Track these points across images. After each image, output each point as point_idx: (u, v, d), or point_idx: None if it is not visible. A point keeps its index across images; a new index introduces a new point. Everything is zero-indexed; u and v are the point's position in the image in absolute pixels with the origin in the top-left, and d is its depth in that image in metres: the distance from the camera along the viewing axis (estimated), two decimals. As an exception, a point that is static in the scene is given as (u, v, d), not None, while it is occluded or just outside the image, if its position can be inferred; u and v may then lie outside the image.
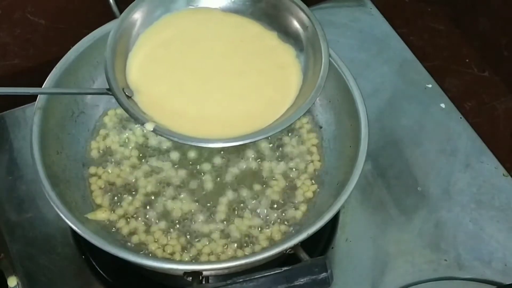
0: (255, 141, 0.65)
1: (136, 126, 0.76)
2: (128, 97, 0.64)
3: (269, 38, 0.69)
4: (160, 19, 0.69)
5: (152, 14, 0.68)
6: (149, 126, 0.62)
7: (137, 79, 0.66)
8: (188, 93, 0.66)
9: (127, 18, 0.67)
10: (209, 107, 0.66)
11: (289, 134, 0.76)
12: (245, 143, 0.65)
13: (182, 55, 0.68)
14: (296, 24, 0.68)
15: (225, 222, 0.70)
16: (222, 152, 0.74)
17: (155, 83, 0.66)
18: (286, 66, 0.68)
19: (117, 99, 0.63)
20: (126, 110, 0.63)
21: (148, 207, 0.71)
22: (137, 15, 0.68)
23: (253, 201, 0.71)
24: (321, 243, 0.76)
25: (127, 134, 0.75)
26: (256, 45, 0.69)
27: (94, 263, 0.74)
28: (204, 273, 0.62)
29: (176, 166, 0.73)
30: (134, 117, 0.63)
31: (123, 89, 0.64)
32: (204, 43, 0.69)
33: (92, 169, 0.73)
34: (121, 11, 0.68)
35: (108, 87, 0.64)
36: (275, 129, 0.64)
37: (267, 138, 0.75)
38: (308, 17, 0.67)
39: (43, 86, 0.70)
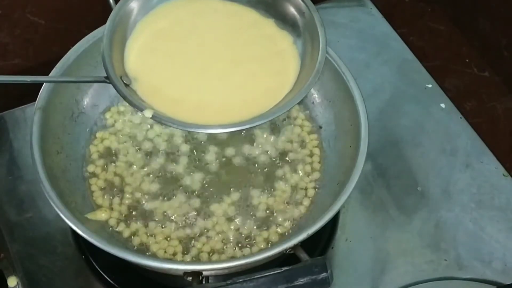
0: (254, 126, 0.65)
1: (137, 127, 0.76)
2: (126, 85, 0.64)
3: (266, 25, 0.69)
4: (158, 7, 0.69)
5: (149, 2, 0.69)
6: (148, 113, 0.62)
7: (135, 67, 0.66)
8: (186, 80, 0.66)
9: (124, 7, 0.67)
10: (208, 94, 0.66)
11: (289, 134, 0.76)
12: (245, 128, 0.65)
13: (179, 43, 0.68)
14: (292, 10, 0.68)
15: (225, 223, 0.70)
16: (223, 152, 0.74)
17: (153, 71, 0.67)
18: (283, 52, 0.68)
19: (114, 86, 0.63)
20: (124, 97, 0.63)
21: (149, 208, 0.71)
22: (134, 4, 0.68)
23: (253, 201, 0.71)
24: (321, 243, 0.76)
25: (127, 134, 0.75)
26: (253, 33, 0.69)
27: (94, 263, 0.74)
28: (204, 273, 0.62)
29: (177, 166, 0.73)
30: (132, 104, 0.63)
31: (121, 77, 0.64)
32: (202, 31, 0.69)
33: (92, 169, 0.73)
34: (121, 11, 0.68)
35: (106, 75, 0.64)
36: (274, 114, 0.64)
37: (265, 138, 0.75)
38: (305, 3, 0.67)
39: (43, 86, 0.70)
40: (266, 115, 0.64)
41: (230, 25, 0.69)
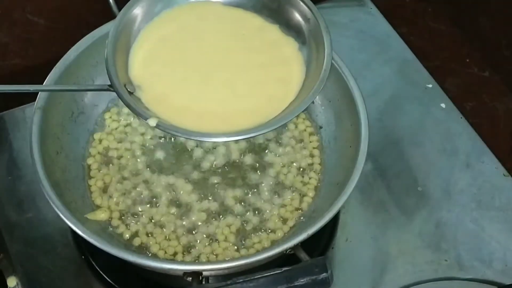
0: (259, 135, 0.64)
1: (137, 127, 0.76)
2: (130, 93, 0.64)
3: (271, 31, 0.69)
4: (161, 14, 0.69)
5: (152, 9, 0.68)
6: (152, 122, 0.62)
7: (139, 74, 0.66)
8: (190, 88, 0.66)
9: (127, 14, 0.67)
10: (212, 102, 0.65)
11: (289, 134, 0.76)
12: (249, 137, 0.64)
13: (184, 50, 0.68)
14: (297, 16, 0.68)
15: (225, 223, 0.70)
16: (222, 152, 0.74)
17: (157, 79, 0.66)
18: (288, 59, 0.67)
19: (118, 95, 0.63)
20: (128, 106, 0.62)
21: (149, 208, 0.71)
22: (138, 11, 0.67)
23: (253, 201, 0.71)
24: (321, 243, 0.76)
25: (127, 135, 0.75)
26: (258, 39, 0.68)
27: (94, 263, 0.74)
28: (204, 273, 0.62)
29: (177, 168, 0.73)
30: (137, 113, 0.62)
31: (124, 85, 0.64)
32: (206, 37, 0.68)
33: (92, 169, 0.73)
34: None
35: (109, 83, 0.64)
36: (278, 123, 0.63)
37: (265, 138, 0.75)
38: (310, 9, 0.67)
39: (43, 86, 0.70)
40: (271, 123, 0.63)
41: (235, 31, 0.69)
